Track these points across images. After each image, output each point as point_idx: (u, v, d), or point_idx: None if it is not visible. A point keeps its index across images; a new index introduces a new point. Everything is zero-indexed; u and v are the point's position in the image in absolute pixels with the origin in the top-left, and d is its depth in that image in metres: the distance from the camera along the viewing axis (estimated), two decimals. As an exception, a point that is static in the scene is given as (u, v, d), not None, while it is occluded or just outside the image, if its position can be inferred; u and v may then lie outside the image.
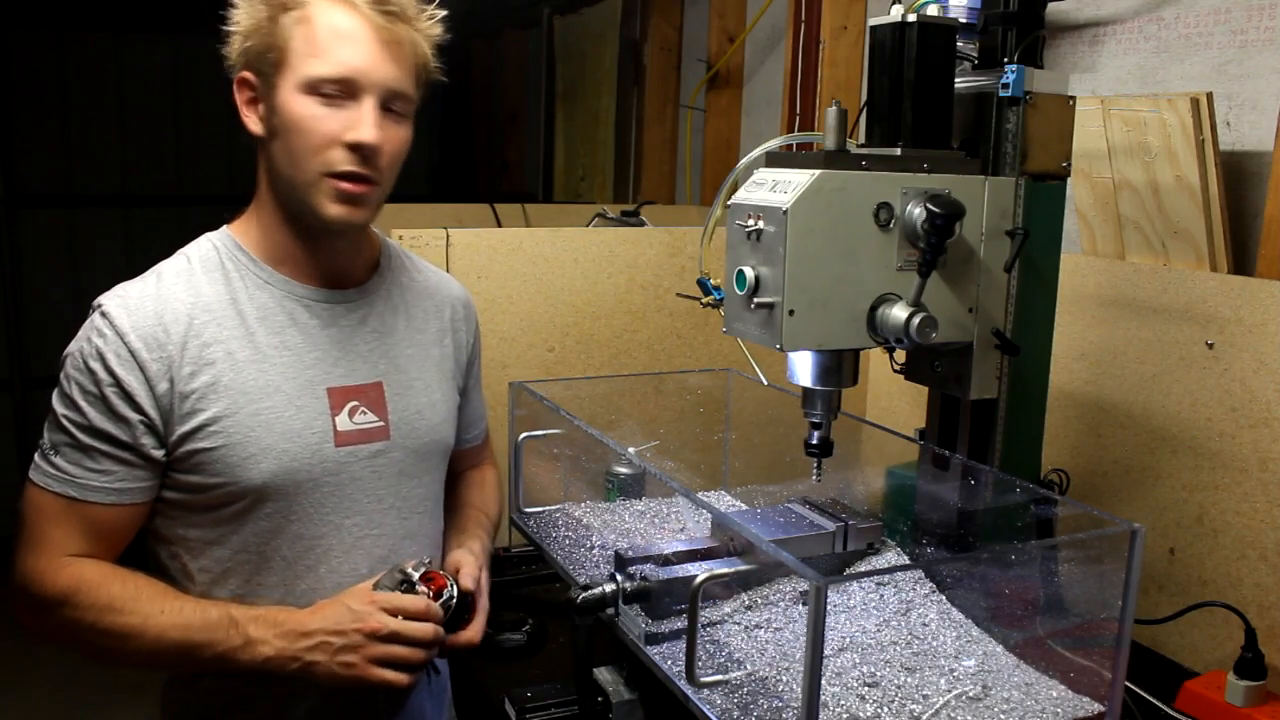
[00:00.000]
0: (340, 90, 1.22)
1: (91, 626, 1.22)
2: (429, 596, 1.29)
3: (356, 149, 1.23)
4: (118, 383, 1.23)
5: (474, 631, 1.36)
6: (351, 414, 1.34)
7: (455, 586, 1.33)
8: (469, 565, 1.40)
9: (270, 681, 1.32)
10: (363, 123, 1.22)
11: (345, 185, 1.24)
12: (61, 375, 1.26)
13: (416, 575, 1.29)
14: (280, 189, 1.29)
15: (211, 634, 1.22)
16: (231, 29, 1.28)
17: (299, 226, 1.30)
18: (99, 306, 1.26)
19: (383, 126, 1.24)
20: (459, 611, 1.33)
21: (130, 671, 3.92)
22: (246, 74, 1.28)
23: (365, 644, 1.23)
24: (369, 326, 1.38)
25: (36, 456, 1.27)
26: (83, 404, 1.24)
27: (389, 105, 1.25)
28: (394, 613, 1.24)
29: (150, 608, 1.23)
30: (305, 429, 1.30)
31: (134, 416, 1.23)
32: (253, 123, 1.29)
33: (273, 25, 1.23)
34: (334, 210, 1.25)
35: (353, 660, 1.23)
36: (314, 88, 1.22)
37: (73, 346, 1.26)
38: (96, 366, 1.23)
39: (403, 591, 1.28)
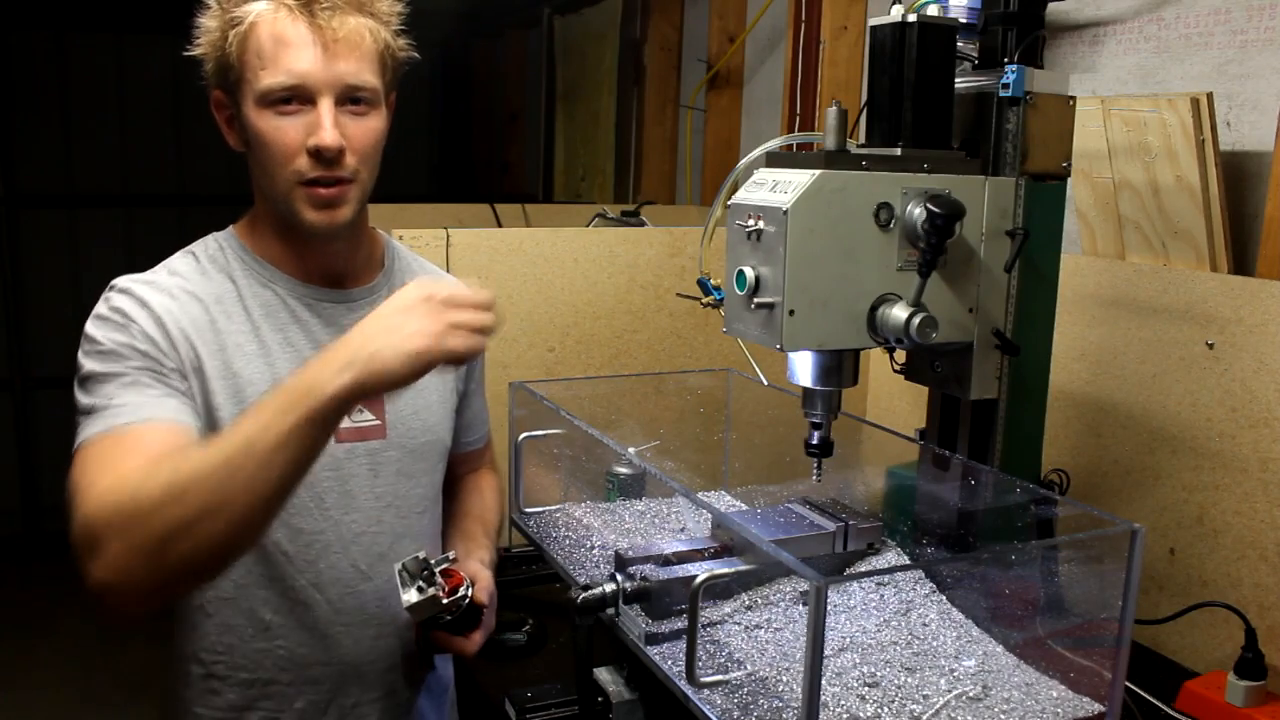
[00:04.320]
0: (294, 98, 1.22)
1: (146, 498, 1.03)
2: (444, 591, 1.28)
3: (318, 154, 1.22)
4: (149, 338, 1.23)
5: (474, 642, 1.35)
6: (351, 411, 1.34)
7: (470, 590, 1.32)
8: (485, 580, 1.39)
9: (270, 675, 1.32)
10: (320, 126, 1.22)
11: (318, 191, 1.24)
12: (86, 346, 1.23)
13: (437, 567, 1.28)
14: (266, 200, 1.31)
15: (259, 407, 1.06)
16: (197, 51, 1.28)
17: (292, 232, 1.31)
18: (115, 285, 1.26)
19: (346, 124, 1.24)
20: (467, 616, 1.33)
21: (130, 672, 3.92)
22: (218, 93, 1.29)
23: (441, 310, 1.07)
24: None
25: (85, 421, 1.17)
26: (125, 353, 1.21)
27: (351, 99, 1.25)
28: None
29: (216, 441, 1.07)
30: None
31: (171, 366, 1.23)
32: (233, 140, 1.30)
33: (224, 43, 1.24)
34: (312, 216, 1.26)
35: (420, 329, 1.05)
36: (268, 100, 1.22)
37: (91, 321, 1.24)
38: (126, 321, 1.23)
39: (424, 580, 1.27)
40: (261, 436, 1.03)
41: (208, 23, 1.26)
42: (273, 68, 1.21)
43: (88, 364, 1.22)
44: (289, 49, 1.21)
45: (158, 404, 1.19)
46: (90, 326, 1.25)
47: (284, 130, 1.22)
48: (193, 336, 1.25)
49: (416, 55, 1.34)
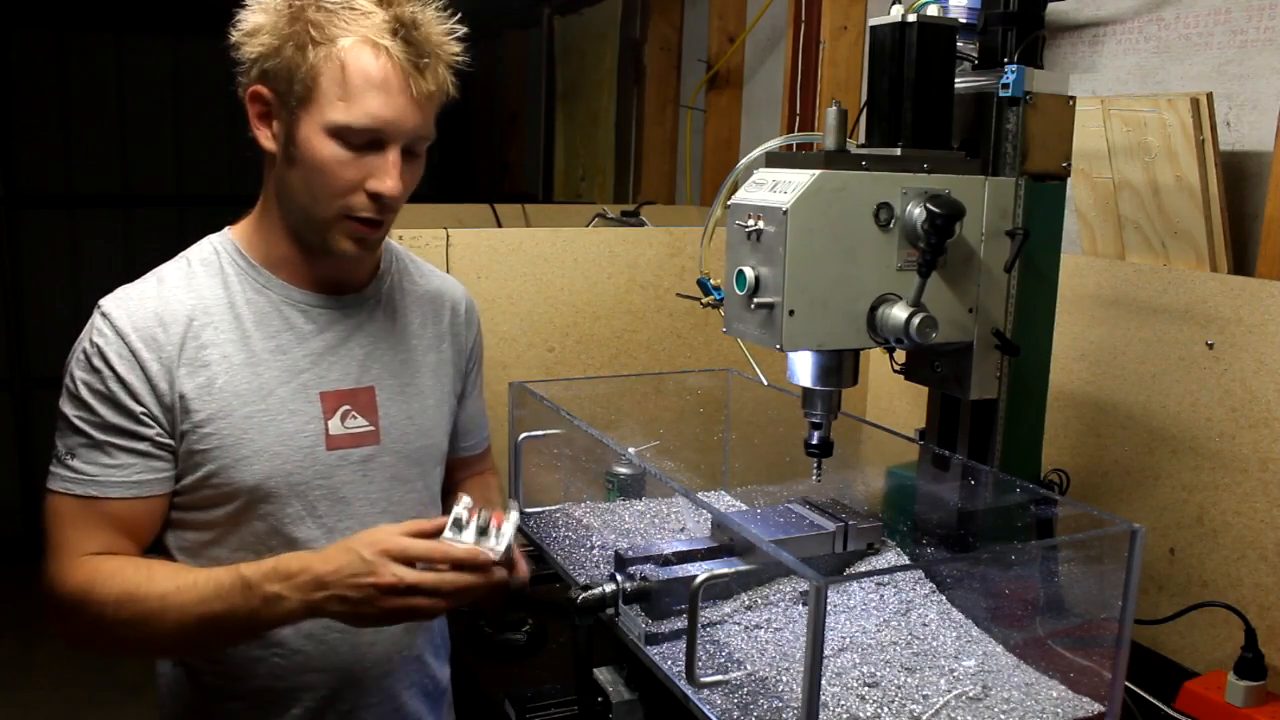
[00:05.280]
0: (367, 139, 1.21)
1: (113, 618, 1.21)
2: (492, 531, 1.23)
3: (377, 198, 1.22)
4: (121, 380, 1.23)
5: (522, 569, 1.30)
6: (343, 418, 1.33)
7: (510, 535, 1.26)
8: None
9: (266, 682, 1.33)
10: (387, 174, 1.22)
11: (360, 228, 1.25)
12: (67, 379, 1.26)
13: (465, 515, 1.23)
14: (291, 211, 1.28)
15: (229, 601, 1.19)
16: (245, 38, 1.23)
17: (303, 242, 1.30)
18: (100, 308, 1.27)
19: (401, 169, 1.24)
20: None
21: (130, 672, 3.92)
22: (262, 90, 1.24)
23: (380, 597, 1.16)
24: (364, 331, 1.37)
25: (52, 465, 1.26)
26: (93, 402, 1.24)
27: (411, 149, 1.25)
28: (409, 560, 1.18)
29: (166, 586, 1.20)
30: (298, 432, 1.30)
31: (141, 410, 1.24)
32: (265, 138, 1.26)
33: (299, 55, 1.19)
34: (347, 246, 1.26)
35: (369, 612, 1.18)
36: (340, 134, 1.20)
37: (76, 349, 1.27)
38: (100, 364, 1.24)
39: (479, 530, 1.23)
40: (194, 614, 1.19)
41: (272, 22, 1.21)
42: (355, 104, 1.19)
43: (64, 401, 1.27)
44: (376, 91, 1.19)
45: (117, 473, 1.25)
46: (73, 358, 1.27)
47: (347, 166, 1.21)
48: (172, 364, 1.25)
49: (457, 95, 1.31)
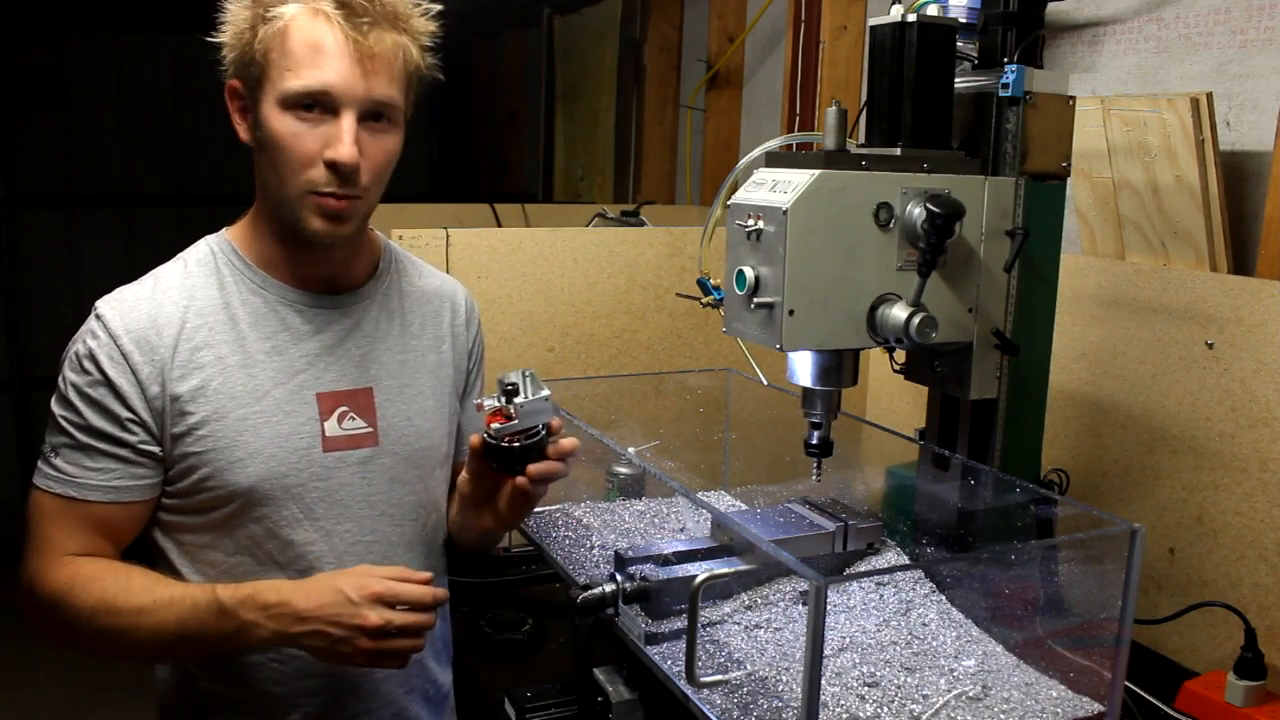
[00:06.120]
0: (316, 105, 1.20)
1: (87, 627, 1.22)
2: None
3: (334, 167, 1.21)
4: (110, 383, 1.23)
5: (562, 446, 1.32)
6: (340, 419, 1.33)
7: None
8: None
9: (264, 688, 1.32)
10: (340, 141, 1.20)
11: (327, 202, 1.23)
12: (59, 378, 1.27)
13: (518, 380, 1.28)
14: (270, 200, 1.29)
15: (202, 622, 1.20)
16: (220, 36, 1.25)
17: (292, 235, 1.30)
18: (95, 309, 1.27)
19: (364, 140, 1.22)
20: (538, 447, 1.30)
21: (130, 672, 3.93)
22: (235, 83, 1.26)
23: (361, 639, 1.18)
24: (362, 331, 1.37)
25: (39, 461, 1.28)
26: (79, 404, 1.24)
27: (373, 116, 1.23)
28: (393, 601, 1.20)
29: (142, 600, 1.21)
30: (293, 434, 1.29)
31: (127, 415, 1.24)
32: (243, 131, 1.28)
33: (253, 36, 1.21)
34: (317, 225, 1.25)
35: (348, 652, 1.20)
36: (291, 104, 1.20)
37: (69, 350, 1.27)
38: (90, 367, 1.24)
39: (504, 401, 1.27)
40: (167, 632, 1.21)
41: (237, 11, 1.23)
42: (300, 71, 1.19)
43: (54, 399, 1.28)
44: (320, 56, 1.19)
45: (97, 477, 1.25)
46: (66, 358, 1.27)
47: (302, 138, 1.21)
48: (165, 366, 1.25)
49: (440, 76, 1.31)
